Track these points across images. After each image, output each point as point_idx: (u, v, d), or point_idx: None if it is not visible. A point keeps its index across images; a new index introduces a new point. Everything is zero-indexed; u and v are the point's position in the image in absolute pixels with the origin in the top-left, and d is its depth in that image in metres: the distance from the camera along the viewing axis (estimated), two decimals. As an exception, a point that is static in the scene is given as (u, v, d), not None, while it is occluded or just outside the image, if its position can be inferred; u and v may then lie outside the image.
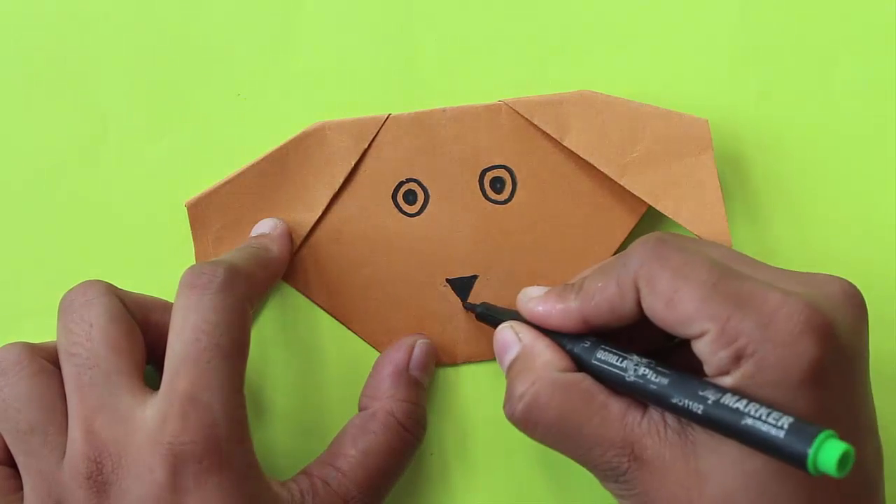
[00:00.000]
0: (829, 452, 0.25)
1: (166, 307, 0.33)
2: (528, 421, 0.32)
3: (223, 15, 0.38)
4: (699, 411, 0.27)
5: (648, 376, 0.29)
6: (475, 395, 0.39)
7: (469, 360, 0.38)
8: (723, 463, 0.28)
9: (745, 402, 0.27)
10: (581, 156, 0.37)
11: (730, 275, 0.29)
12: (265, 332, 0.38)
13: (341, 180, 0.38)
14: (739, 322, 0.28)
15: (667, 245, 0.30)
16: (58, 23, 0.38)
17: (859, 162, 0.39)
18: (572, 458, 0.31)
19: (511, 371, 0.33)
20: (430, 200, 0.38)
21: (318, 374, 0.38)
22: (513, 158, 0.38)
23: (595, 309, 0.31)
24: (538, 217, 0.38)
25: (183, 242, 0.38)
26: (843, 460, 0.25)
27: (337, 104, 0.38)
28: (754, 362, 0.28)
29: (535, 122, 0.37)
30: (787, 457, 0.25)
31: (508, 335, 0.34)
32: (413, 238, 0.38)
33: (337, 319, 0.38)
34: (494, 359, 0.38)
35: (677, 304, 0.29)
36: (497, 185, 0.38)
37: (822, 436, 0.25)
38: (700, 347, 0.29)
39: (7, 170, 0.38)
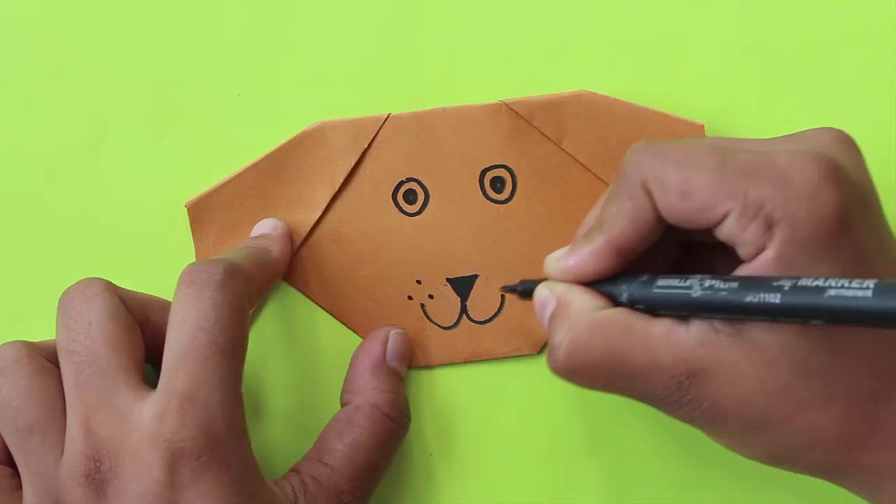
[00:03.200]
0: None
1: (166, 306, 0.33)
2: (572, 368, 0.30)
3: (223, 15, 0.38)
4: (777, 300, 0.26)
5: (716, 286, 0.28)
6: (476, 395, 0.39)
7: (470, 360, 0.38)
8: (788, 343, 0.28)
9: (822, 278, 0.26)
10: (578, 160, 0.37)
11: (732, 152, 0.29)
12: (265, 331, 0.38)
13: (341, 180, 0.38)
14: (759, 191, 0.27)
15: (660, 144, 0.30)
16: (58, 23, 0.38)
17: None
18: (632, 397, 0.30)
19: (550, 326, 0.31)
20: (431, 200, 0.38)
21: (318, 374, 0.38)
22: (513, 158, 0.38)
23: (622, 233, 0.30)
24: (538, 217, 0.38)
25: (183, 242, 0.38)
26: None
27: (337, 104, 0.38)
28: (786, 224, 0.27)
29: (535, 124, 0.37)
30: (881, 317, 0.24)
31: (544, 293, 0.32)
32: (413, 238, 0.38)
33: (337, 319, 0.38)
34: (496, 358, 0.38)
35: (692, 192, 0.28)
36: (497, 184, 0.38)
37: None
38: (728, 230, 0.28)
39: (7, 170, 0.38)
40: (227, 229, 0.38)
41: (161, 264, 0.38)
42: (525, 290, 0.35)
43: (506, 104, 0.38)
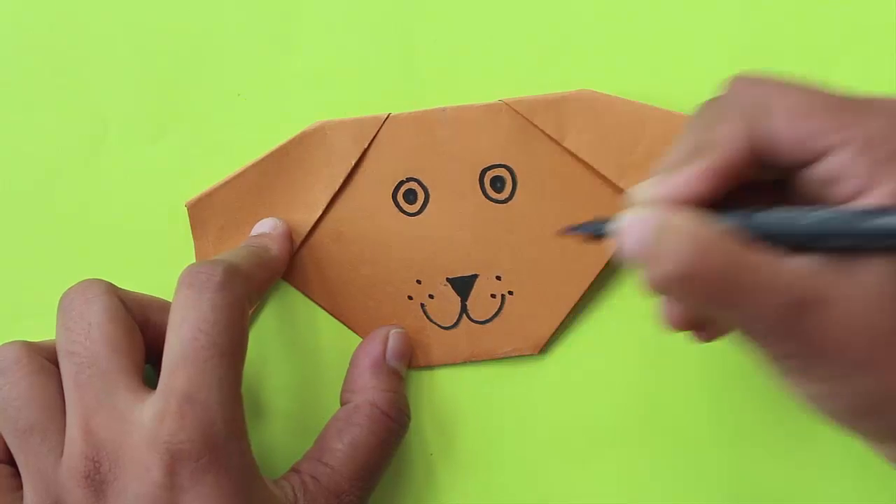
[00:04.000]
0: None
1: (166, 307, 0.33)
2: (682, 276, 0.27)
3: (223, 15, 0.38)
4: None
5: (826, 214, 0.26)
6: (476, 395, 0.39)
7: (470, 360, 0.38)
8: None
9: None
10: (580, 158, 0.37)
11: (842, 90, 0.28)
12: (264, 331, 0.38)
13: (341, 180, 0.38)
14: (878, 124, 0.26)
15: (772, 76, 0.29)
16: (58, 23, 0.38)
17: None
18: (735, 320, 0.28)
19: (651, 241, 0.28)
20: (431, 200, 0.38)
21: (318, 374, 0.38)
22: (513, 158, 0.38)
23: (728, 154, 0.28)
24: (539, 216, 0.38)
25: (183, 242, 0.38)
26: None
27: (337, 104, 0.38)
28: None
29: (536, 123, 0.37)
30: None
31: (637, 216, 0.28)
32: (413, 238, 0.38)
33: (337, 319, 0.38)
34: (496, 358, 0.38)
35: (806, 117, 0.27)
36: (497, 184, 0.38)
37: None
38: (841, 160, 0.26)
39: (7, 170, 0.38)
40: (227, 229, 0.38)
41: (161, 264, 0.38)
42: (597, 230, 0.30)
43: (506, 103, 0.38)
